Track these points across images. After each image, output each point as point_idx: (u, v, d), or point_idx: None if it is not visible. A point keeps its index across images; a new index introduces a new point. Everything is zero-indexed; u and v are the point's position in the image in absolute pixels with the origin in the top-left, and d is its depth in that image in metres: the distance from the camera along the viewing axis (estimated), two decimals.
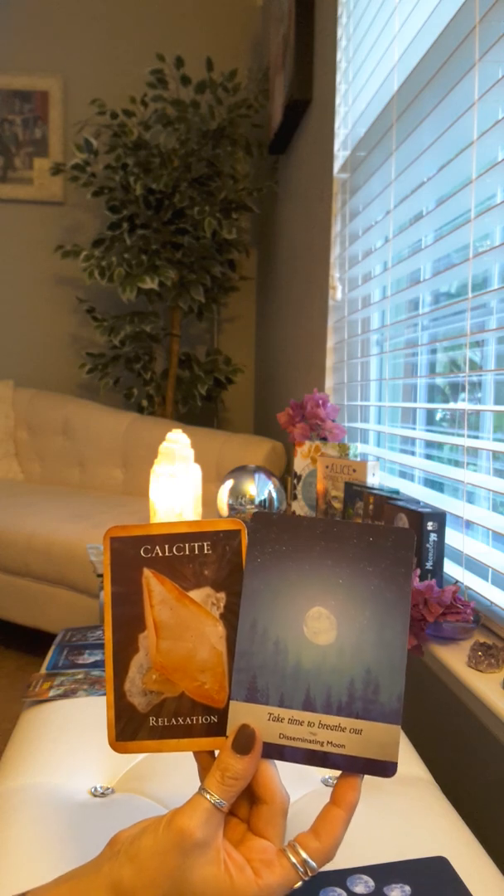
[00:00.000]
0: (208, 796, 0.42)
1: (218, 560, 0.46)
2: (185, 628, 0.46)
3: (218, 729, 0.46)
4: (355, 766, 0.43)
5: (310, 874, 0.42)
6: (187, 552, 0.47)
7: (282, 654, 0.44)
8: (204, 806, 0.41)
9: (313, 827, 0.43)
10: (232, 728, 0.44)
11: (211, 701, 0.46)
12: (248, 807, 0.45)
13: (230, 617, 0.46)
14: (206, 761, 0.47)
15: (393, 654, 0.43)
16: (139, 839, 0.42)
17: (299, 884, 0.42)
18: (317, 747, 0.43)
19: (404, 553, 0.44)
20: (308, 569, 0.45)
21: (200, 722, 0.46)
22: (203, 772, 0.47)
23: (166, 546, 0.47)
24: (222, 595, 0.46)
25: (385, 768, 0.43)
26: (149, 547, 0.47)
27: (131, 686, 0.47)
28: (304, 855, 0.42)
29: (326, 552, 0.45)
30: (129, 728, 0.46)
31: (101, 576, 1.35)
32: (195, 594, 0.46)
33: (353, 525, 0.45)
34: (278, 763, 0.45)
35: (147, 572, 0.47)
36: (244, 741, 0.43)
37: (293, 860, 0.42)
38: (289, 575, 0.45)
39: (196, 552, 0.47)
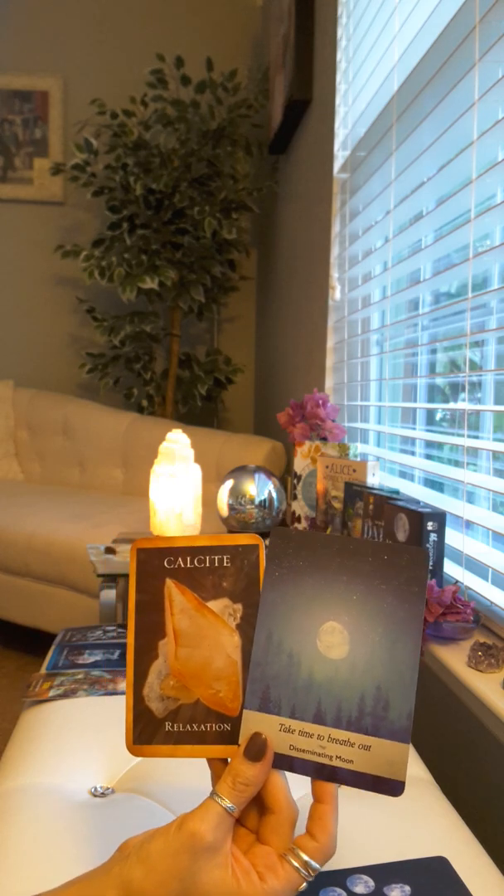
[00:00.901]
0: (220, 801, 0.43)
1: (236, 573, 0.48)
2: (203, 637, 0.48)
3: (230, 737, 0.47)
4: (363, 783, 0.43)
5: (312, 874, 0.43)
6: (208, 564, 0.49)
7: (295, 666, 0.45)
8: (215, 810, 0.42)
9: (307, 829, 0.44)
10: (244, 736, 0.45)
11: (225, 709, 0.47)
12: (257, 818, 0.46)
13: (246, 628, 0.47)
14: (218, 769, 0.48)
15: (404, 672, 0.44)
16: (150, 842, 0.43)
17: (304, 886, 0.43)
18: (326, 761, 0.44)
19: (418, 572, 0.45)
20: (324, 584, 0.46)
21: (214, 729, 0.47)
22: (216, 778, 0.48)
23: (188, 558, 0.49)
24: (239, 606, 0.48)
25: (392, 787, 0.43)
26: (172, 558, 0.49)
27: (150, 691, 0.48)
28: (304, 857, 0.43)
29: (342, 569, 0.46)
30: (146, 732, 0.48)
31: (101, 576, 1.35)
32: (213, 605, 0.48)
33: (369, 543, 0.46)
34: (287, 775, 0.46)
35: (169, 582, 0.49)
36: (256, 749, 0.44)
37: (295, 864, 0.43)
38: (305, 589, 0.46)
39: (216, 564, 0.49)
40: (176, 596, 0.49)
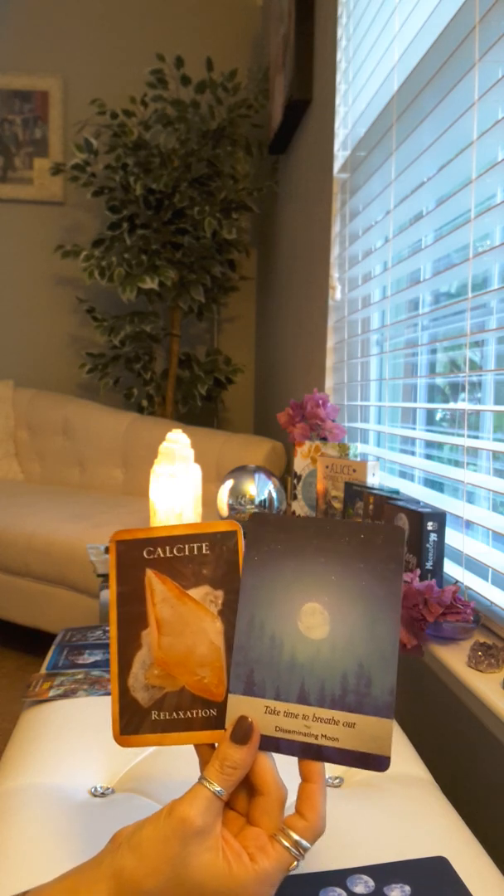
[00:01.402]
0: (208, 785, 0.43)
1: (216, 560, 0.48)
2: (186, 625, 0.48)
3: (217, 722, 0.47)
4: (349, 760, 0.44)
5: (303, 854, 0.43)
6: (187, 553, 0.49)
7: (277, 648, 0.46)
8: (204, 794, 0.43)
9: (296, 808, 0.44)
10: (230, 720, 0.45)
11: (210, 695, 0.47)
12: (247, 800, 0.46)
13: (228, 613, 0.48)
14: (206, 754, 0.48)
15: (384, 649, 0.44)
16: (140, 830, 0.43)
17: (295, 865, 0.43)
18: (311, 740, 0.45)
19: (395, 550, 0.46)
20: (302, 566, 0.46)
21: (200, 715, 0.47)
22: (204, 765, 0.48)
23: (167, 547, 0.49)
24: (220, 593, 0.48)
25: (378, 762, 0.44)
26: (151, 549, 0.49)
27: (135, 682, 0.48)
28: (294, 836, 0.43)
29: (320, 550, 0.46)
30: (132, 722, 0.48)
31: (101, 576, 1.35)
32: (194, 592, 0.48)
33: (345, 523, 0.47)
34: (276, 758, 0.46)
35: (149, 572, 0.49)
36: (242, 732, 0.44)
37: (285, 843, 0.43)
38: (284, 572, 0.47)
39: (195, 552, 0.49)
40: (157, 585, 0.49)
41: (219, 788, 0.43)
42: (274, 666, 0.46)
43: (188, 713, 0.47)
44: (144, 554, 0.49)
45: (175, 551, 0.49)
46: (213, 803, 0.43)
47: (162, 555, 0.49)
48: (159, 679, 0.48)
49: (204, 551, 0.49)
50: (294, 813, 0.44)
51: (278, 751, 0.45)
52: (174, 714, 0.48)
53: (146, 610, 0.49)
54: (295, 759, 0.46)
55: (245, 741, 0.44)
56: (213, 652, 0.47)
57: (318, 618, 0.46)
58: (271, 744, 0.45)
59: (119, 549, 0.50)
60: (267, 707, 0.45)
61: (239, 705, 0.46)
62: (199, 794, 0.43)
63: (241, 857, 0.42)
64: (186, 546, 0.49)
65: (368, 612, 0.45)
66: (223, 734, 0.45)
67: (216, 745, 0.46)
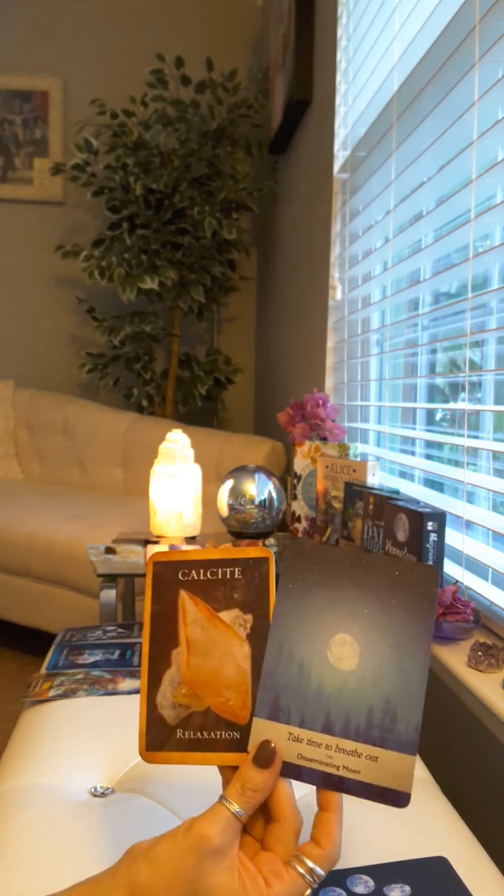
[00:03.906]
0: (228, 805, 0.43)
1: (247, 584, 0.50)
2: (215, 646, 0.49)
3: (240, 745, 0.47)
4: (369, 793, 0.44)
5: (317, 881, 0.43)
6: (220, 576, 0.50)
7: (305, 676, 0.46)
8: (224, 814, 0.43)
9: (311, 836, 0.44)
10: (254, 743, 0.46)
11: (234, 717, 0.48)
12: (262, 826, 0.46)
13: (256, 638, 0.49)
14: (229, 776, 0.48)
15: (412, 686, 0.45)
16: (158, 844, 0.43)
17: (308, 892, 0.43)
18: (332, 770, 0.45)
19: (428, 588, 0.46)
20: (336, 597, 0.47)
21: (224, 737, 0.48)
22: (226, 784, 0.48)
23: (201, 570, 0.51)
24: (249, 617, 0.49)
25: (398, 798, 0.44)
26: (186, 571, 0.51)
27: (162, 699, 0.50)
28: (309, 864, 0.43)
29: (354, 582, 0.47)
30: (158, 739, 0.49)
31: (101, 575, 1.35)
32: (225, 615, 0.50)
33: (381, 558, 0.47)
34: (295, 784, 0.46)
35: (183, 594, 0.51)
36: (265, 756, 0.45)
37: (300, 870, 0.43)
38: (317, 601, 0.47)
39: (228, 577, 0.50)
40: (189, 607, 0.50)
41: (239, 809, 0.43)
42: (301, 693, 0.46)
43: (212, 734, 0.48)
44: (179, 576, 0.51)
45: (209, 574, 0.50)
46: (232, 823, 0.43)
47: (196, 577, 0.51)
48: (186, 698, 0.49)
49: (236, 576, 0.50)
50: (310, 840, 0.44)
51: (299, 778, 0.45)
52: (199, 734, 0.48)
53: (178, 629, 0.50)
54: (311, 789, 0.45)
55: (267, 765, 0.44)
56: (239, 675, 0.48)
57: (347, 649, 0.46)
58: (293, 771, 0.45)
59: (156, 569, 0.51)
60: (291, 734, 0.46)
61: (263, 729, 0.46)
62: (218, 812, 0.43)
63: (257, 879, 0.42)
64: (220, 570, 0.50)
65: (399, 647, 0.45)
66: (245, 757, 0.45)
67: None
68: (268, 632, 0.48)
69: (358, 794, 0.44)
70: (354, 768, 0.44)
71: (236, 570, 0.50)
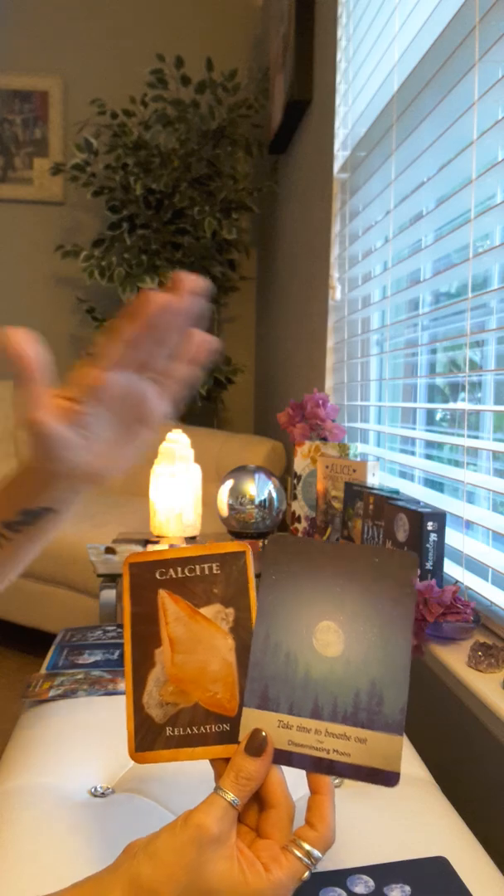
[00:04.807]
0: (223, 794, 0.44)
1: (226, 579, 0.50)
2: (198, 642, 0.49)
3: (230, 736, 0.48)
4: (359, 774, 0.45)
5: (314, 863, 0.44)
6: (198, 573, 0.51)
7: (292, 664, 0.47)
8: (219, 803, 0.44)
9: (306, 819, 0.45)
10: (244, 733, 0.46)
11: (223, 710, 0.49)
12: (257, 814, 0.47)
13: (239, 630, 0.49)
14: (221, 768, 0.49)
15: (397, 668, 0.46)
16: (156, 838, 0.44)
17: (307, 875, 0.44)
18: (323, 755, 0.46)
19: (407, 574, 0.47)
20: (319, 586, 0.48)
21: (214, 730, 0.49)
22: (219, 777, 0.49)
23: (179, 568, 0.51)
24: (231, 611, 0.50)
25: (388, 778, 0.45)
26: (163, 570, 0.51)
27: (149, 699, 0.50)
28: (306, 847, 0.44)
29: (336, 572, 0.48)
30: (147, 739, 0.49)
31: (101, 576, 1.35)
32: (206, 611, 0.50)
33: (361, 547, 0.49)
34: (285, 770, 0.47)
35: (162, 593, 0.51)
36: (257, 744, 0.46)
37: (297, 853, 0.44)
38: (301, 592, 0.48)
39: (206, 572, 0.51)
40: (169, 605, 0.50)
41: (234, 798, 0.44)
42: (289, 681, 0.47)
43: (202, 728, 0.49)
44: (157, 575, 0.51)
45: (186, 572, 0.51)
46: (229, 812, 0.44)
47: (174, 575, 0.51)
48: (173, 696, 0.49)
49: (214, 571, 0.50)
50: (304, 824, 0.45)
51: (290, 764, 0.46)
52: (188, 730, 0.49)
53: (159, 629, 0.50)
54: (300, 777, 0.46)
55: (259, 753, 0.45)
56: (225, 668, 0.49)
57: (332, 636, 0.47)
58: (284, 757, 0.46)
59: (132, 571, 0.51)
60: (280, 721, 0.46)
61: (253, 719, 0.47)
62: (214, 802, 0.44)
63: (255, 865, 0.43)
64: (197, 566, 0.50)
65: (382, 632, 0.47)
66: (237, 748, 0.46)
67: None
68: (251, 624, 0.48)
69: (349, 776, 0.45)
70: (344, 751, 0.45)
71: (214, 565, 0.50)
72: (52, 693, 0.89)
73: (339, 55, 1.68)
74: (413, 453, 1.44)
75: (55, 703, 0.87)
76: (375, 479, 1.28)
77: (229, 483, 1.45)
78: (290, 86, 2.07)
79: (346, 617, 0.47)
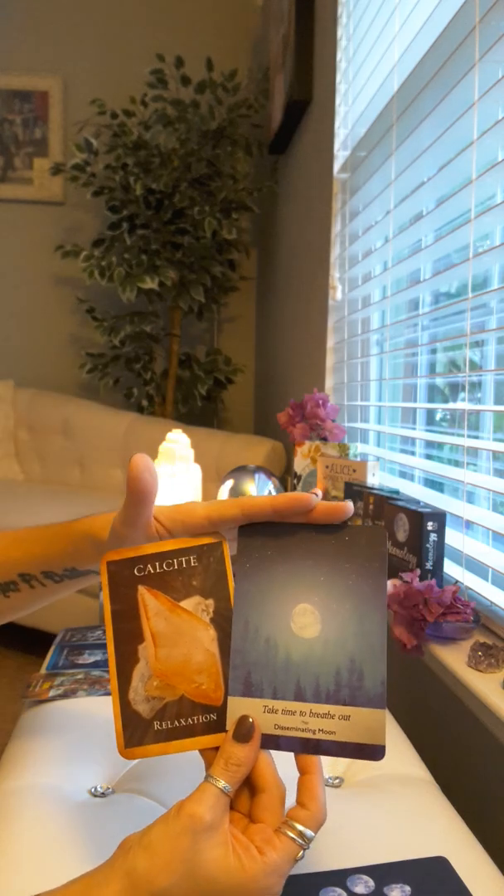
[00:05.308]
0: (214, 782, 0.44)
1: (204, 570, 0.50)
2: (180, 635, 0.50)
3: (217, 726, 0.48)
4: (346, 751, 0.46)
5: (308, 843, 0.45)
6: (176, 566, 0.51)
7: (272, 649, 0.48)
8: (211, 791, 0.44)
9: (297, 800, 0.46)
10: (232, 721, 0.47)
11: (209, 700, 0.49)
12: (248, 800, 0.47)
13: (220, 620, 0.50)
14: (210, 757, 0.49)
15: (373, 643, 0.47)
16: (150, 830, 0.44)
17: (301, 854, 0.44)
18: (309, 735, 0.46)
19: (377, 549, 0.48)
20: (292, 569, 0.49)
21: (201, 721, 0.49)
22: (208, 766, 0.49)
23: (156, 563, 0.51)
24: (211, 601, 0.50)
25: (374, 752, 0.45)
26: (141, 566, 0.51)
27: (135, 695, 0.50)
28: (299, 827, 0.44)
29: (307, 553, 0.49)
30: (136, 735, 0.49)
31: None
32: (186, 603, 0.50)
33: (331, 527, 0.49)
34: (273, 754, 0.47)
35: (141, 589, 0.51)
36: (244, 730, 0.46)
37: (290, 834, 0.44)
38: (275, 576, 0.49)
39: (184, 565, 0.51)
40: (149, 601, 0.51)
41: (225, 785, 0.44)
42: (270, 667, 0.47)
43: (189, 720, 0.49)
44: (135, 571, 0.51)
45: (164, 566, 0.51)
46: (221, 799, 0.44)
47: (152, 571, 0.51)
48: (159, 690, 0.49)
49: (192, 563, 0.51)
50: (295, 805, 0.45)
51: (278, 748, 0.47)
52: (176, 722, 0.49)
53: (141, 625, 0.50)
54: (288, 761, 0.46)
55: (247, 739, 0.46)
56: (208, 658, 0.49)
57: (309, 617, 0.48)
58: (271, 741, 0.47)
59: (110, 569, 0.51)
60: (266, 706, 0.47)
61: (239, 706, 0.47)
62: (206, 790, 0.44)
63: (250, 849, 0.43)
64: (175, 560, 0.51)
65: (357, 609, 0.47)
66: (225, 736, 0.46)
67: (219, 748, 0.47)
68: (231, 613, 0.49)
69: (336, 753, 0.46)
70: (329, 730, 0.46)
71: (191, 558, 0.51)
72: (52, 693, 0.89)
73: (339, 55, 1.68)
74: (413, 453, 1.44)
75: (55, 703, 0.87)
76: (375, 479, 1.28)
77: (229, 483, 1.45)
78: (290, 86, 2.07)
79: (320, 598, 0.48)
